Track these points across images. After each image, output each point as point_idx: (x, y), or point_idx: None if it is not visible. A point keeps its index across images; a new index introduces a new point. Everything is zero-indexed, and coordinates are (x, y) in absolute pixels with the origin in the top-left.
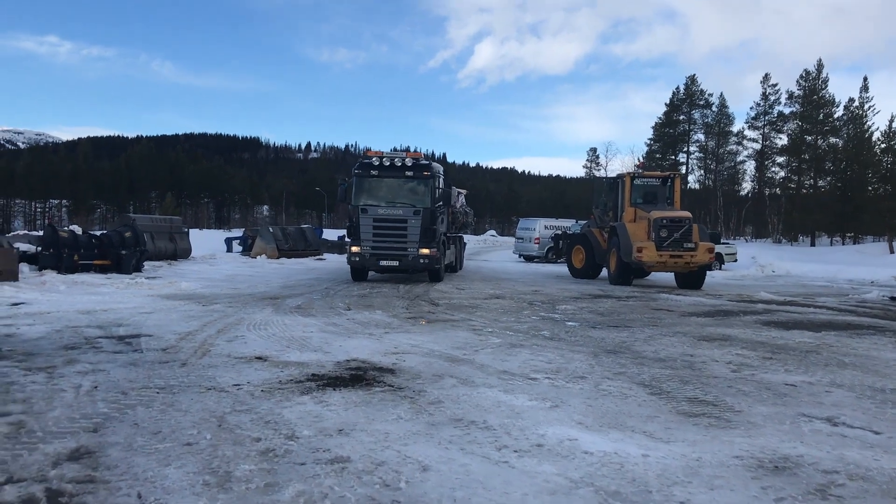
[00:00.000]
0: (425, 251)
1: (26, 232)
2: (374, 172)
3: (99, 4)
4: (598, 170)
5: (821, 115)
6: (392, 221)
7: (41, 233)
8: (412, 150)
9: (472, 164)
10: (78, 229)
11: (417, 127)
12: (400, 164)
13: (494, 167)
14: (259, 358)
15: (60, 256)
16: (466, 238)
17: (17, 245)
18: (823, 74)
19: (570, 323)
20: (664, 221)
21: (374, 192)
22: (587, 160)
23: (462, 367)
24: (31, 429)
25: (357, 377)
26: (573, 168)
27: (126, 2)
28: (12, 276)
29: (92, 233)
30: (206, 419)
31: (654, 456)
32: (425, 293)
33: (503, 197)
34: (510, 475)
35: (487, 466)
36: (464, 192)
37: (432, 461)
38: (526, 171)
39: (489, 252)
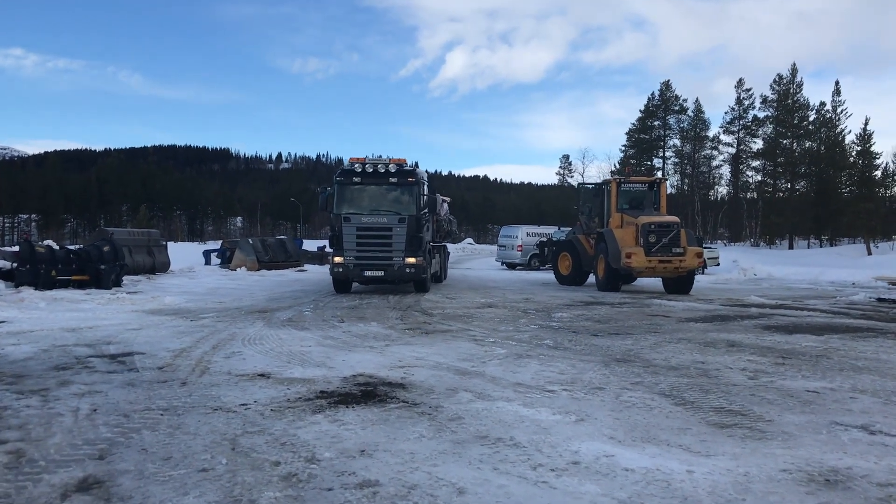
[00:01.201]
0: (411, 260)
1: None
2: (356, 179)
3: (65, 16)
4: (572, 177)
5: (795, 119)
6: (376, 230)
7: (15, 248)
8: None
9: (445, 173)
10: (54, 244)
11: (389, 136)
12: (383, 170)
13: (467, 175)
14: (262, 375)
15: (37, 272)
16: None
17: None
18: (798, 79)
19: (566, 330)
20: (652, 227)
21: (358, 199)
22: (560, 167)
23: (474, 381)
24: (32, 457)
25: (368, 393)
26: (546, 175)
27: (93, 14)
28: None
29: (69, 247)
30: (218, 442)
31: (699, 472)
32: (416, 303)
33: (478, 205)
34: (553, 497)
35: (527, 487)
36: (447, 200)
37: (467, 483)
38: (498, 179)
39: (470, 260)
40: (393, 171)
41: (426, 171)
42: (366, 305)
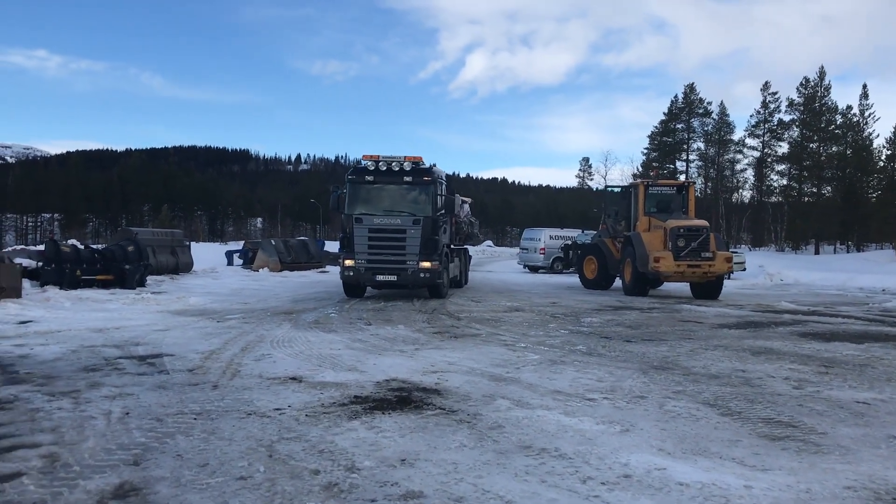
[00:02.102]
0: (426, 264)
1: (24, 247)
2: (369, 178)
3: (90, 19)
4: (591, 179)
5: (823, 123)
6: (389, 232)
7: (38, 247)
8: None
9: (462, 175)
10: (78, 244)
11: (407, 138)
12: (398, 168)
13: (485, 177)
14: (293, 378)
15: (63, 272)
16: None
17: (18, 261)
18: (826, 82)
19: (597, 336)
20: (681, 230)
21: (370, 199)
22: (580, 170)
23: (510, 387)
24: (66, 462)
25: (403, 399)
26: (564, 178)
27: (117, 16)
28: (15, 293)
29: (94, 247)
30: (255, 449)
31: (757, 487)
32: (442, 306)
33: (497, 207)
34: None
35: (578, 502)
36: (468, 201)
37: (515, 496)
38: (516, 182)
39: (490, 263)
40: (408, 169)
41: (444, 171)
42: (391, 308)
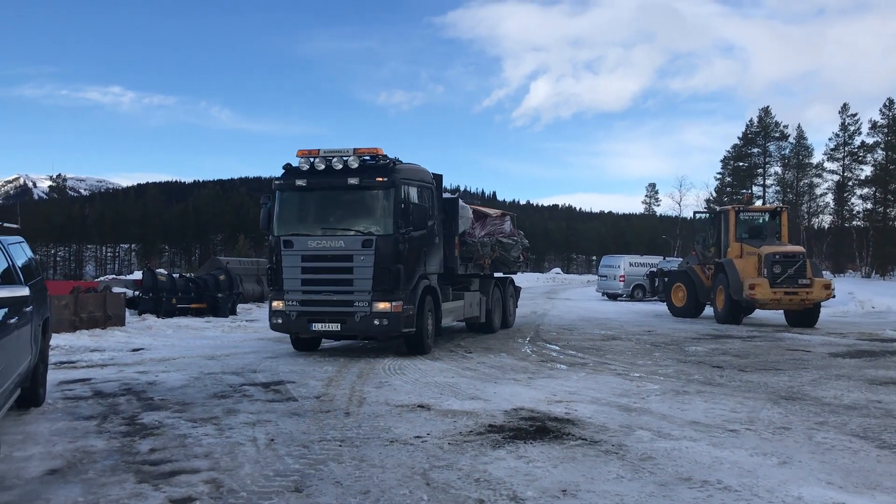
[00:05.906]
0: (383, 306)
1: (114, 276)
2: (301, 182)
3: (163, 55)
4: (658, 205)
5: None
6: (329, 259)
7: (130, 277)
8: (461, 189)
9: (523, 202)
10: (174, 274)
11: (468, 165)
12: (341, 166)
13: (547, 204)
14: (421, 406)
15: (159, 300)
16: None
17: (118, 290)
18: None
19: (707, 365)
20: (777, 257)
21: (305, 213)
22: (646, 196)
23: (644, 418)
24: (231, 488)
25: (540, 429)
26: (627, 204)
27: (188, 53)
28: (120, 321)
29: (187, 276)
30: (410, 476)
31: None
32: (536, 335)
33: (561, 233)
34: None
35: None
36: (492, 213)
37: None
38: (579, 208)
39: (565, 290)
40: (354, 166)
41: (502, 200)
42: (484, 336)
